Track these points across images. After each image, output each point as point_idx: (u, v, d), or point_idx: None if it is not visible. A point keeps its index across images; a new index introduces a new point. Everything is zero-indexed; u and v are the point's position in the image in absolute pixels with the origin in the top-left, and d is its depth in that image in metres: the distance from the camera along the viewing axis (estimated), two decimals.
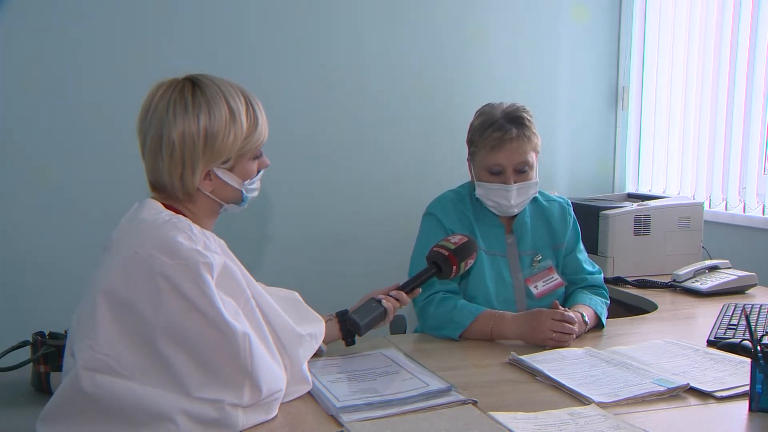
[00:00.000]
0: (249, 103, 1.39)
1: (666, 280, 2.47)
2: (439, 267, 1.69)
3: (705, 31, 2.91)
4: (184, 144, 1.32)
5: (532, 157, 1.94)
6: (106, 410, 1.19)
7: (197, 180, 1.35)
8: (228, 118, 1.34)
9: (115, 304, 1.22)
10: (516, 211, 1.97)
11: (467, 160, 2.04)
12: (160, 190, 1.38)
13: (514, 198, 1.92)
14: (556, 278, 2.00)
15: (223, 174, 1.38)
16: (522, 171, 1.92)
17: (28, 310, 2.57)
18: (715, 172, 2.84)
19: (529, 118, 1.94)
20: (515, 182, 1.91)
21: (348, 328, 1.63)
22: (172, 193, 1.36)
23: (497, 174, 1.92)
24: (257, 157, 1.44)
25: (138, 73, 2.65)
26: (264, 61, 2.83)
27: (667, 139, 3.13)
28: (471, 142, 2.00)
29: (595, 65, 3.30)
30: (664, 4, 3.14)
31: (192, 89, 1.35)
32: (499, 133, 1.90)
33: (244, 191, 1.42)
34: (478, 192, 1.97)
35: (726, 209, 2.79)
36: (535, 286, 1.98)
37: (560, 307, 1.81)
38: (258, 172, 1.45)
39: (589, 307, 1.90)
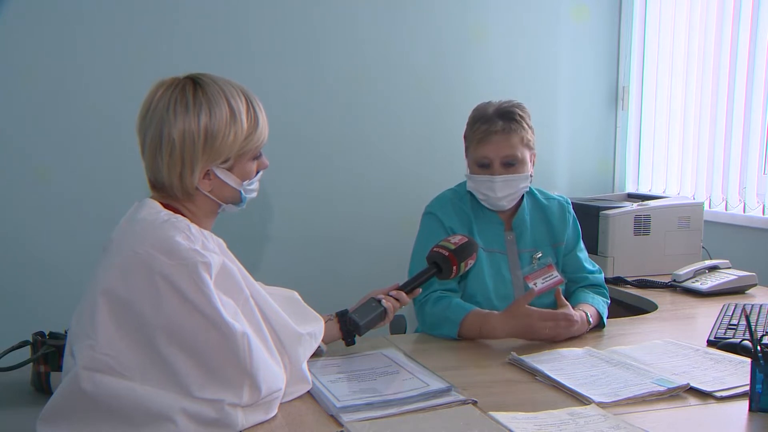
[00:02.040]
0: (250, 103, 1.39)
1: (666, 280, 2.47)
2: (439, 267, 1.69)
3: (705, 31, 2.91)
4: (184, 143, 1.32)
5: (522, 151, 1.94)
6: (106, 410, 1.19)
7: (196, 179, 1.35)
8: (228, 118, 1.35)
9: (115, 304, 1.22)
10: (505, 204, 1.97)
11: (465, 157, 2.05)
12: (160, 189, 1.38)
13: (500, 190, 1.93)
14: (555, 275, 2.00)
15: (222, 174, 1.38)
16: (510, 164, 1.93)
17: (28, 310, 2.57)
18: (715, 172, 2.84)
19: (520, 113, 1.95)
20: (501, 175, 1.92)
21: (348, 328, 1.63)
22: (171, 192, 1.36)
23: (486, 167, 1.94)
24: (257, 157, 1.44)
25: (138, 73, 2.66)
26: (263, 61, 2.83)
27: (667, 139, 3.12)
28: (465, 137, 2.02)
29: (595, 65, 3.30)
30: (664, 4, 3.14)
31: (193, 88, 1.35)
32: (485, 126, 1.93)
33: (242, 191, 1.42)
34: (469, 185, 1.99)
35: (726, 209, 2.78)
36: (535, 284, 1.98)
37: (562, 297, 1.83)
38: (257, 172, 1.45)
39: (592, 306, 1.90)
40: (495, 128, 1.91)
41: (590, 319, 1.83)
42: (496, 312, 1.82)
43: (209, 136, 1.33)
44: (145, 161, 1.37)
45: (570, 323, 1.75)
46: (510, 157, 1.93)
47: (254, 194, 1.47)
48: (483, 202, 1.99)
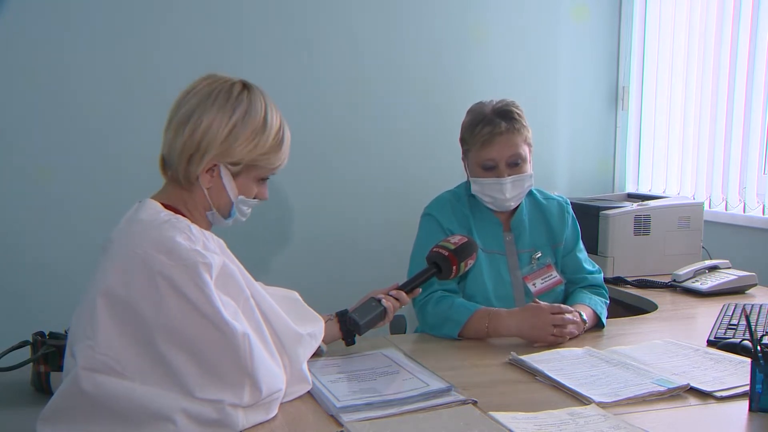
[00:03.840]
0: (282, 127, 1.43)
1: (666, 280, 2.47)
2: (439, 267, 1.69)
3: (705, 31, 2.91)
4: (209, 130, 1.34)
5: (525, 150, 1.94)
6: (107, 410, 1.20)
7: (201, 167, 1.35)
8: (258, 128, 1.38)
9: (115, 305, 1.22)
10: (512, 204, 1.97)
11: (462, 159, 2.04)
12: (168, 167, 1.40)
13: (509, 191, 1.93)
14: (554, 276, 2.00)
15: (225, 176, 1.38)
16: (515, 164, 1.93)
17: (28, 310, 2.57)
18: (715, 172, 2.84)
19: (518, 112, 1.95)
20: (509, 176, 1.92)
21: (348, 328, 1.63)
22: (175, 176, 1.38)
23: (491, 169, 1.94)
24: (262, 180, 1.45)
25: (138, 73, 2.66)
26: (262, 62, 2.83)
27: (667, 139, 3.13)
28: (463, 140, 2.01)
29: (595, 65, 3.30)
30: (664, 4, 3.14)
31: (241, 90, 1.39)
32: (489, 127, 1.91)
33: (234, 205, 1.42)
34: (474, 189, 1.98)
35: (726, 209, 2.79)
36: (534, 284, 1.98)
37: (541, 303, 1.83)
38: (254, 198, 1.45)
39: (589, 306, 1.90)
40: (499, 129, 1.91)
41: (585, 319, 1.83)
42: (504, 309, 1.82)
43: (232, 134, 1.36)
44: (165, 136, 1.39)
45: (576, 326, 1.77)
46: (515, 157, 1.93)
47: (242, 218, 1.48)
48: (489, 205, 1.98)
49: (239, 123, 1.36)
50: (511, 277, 1.99)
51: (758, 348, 1.31)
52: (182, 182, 1.38)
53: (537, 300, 1.82)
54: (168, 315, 1.21)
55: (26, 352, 1.56)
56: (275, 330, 1.36)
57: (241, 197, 1.42)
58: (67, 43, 2.63)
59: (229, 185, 1.40)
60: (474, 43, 3.10)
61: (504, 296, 1.96)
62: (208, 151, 1.35)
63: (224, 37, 2.79)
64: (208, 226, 1.44)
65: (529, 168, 1.96)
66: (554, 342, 1.72)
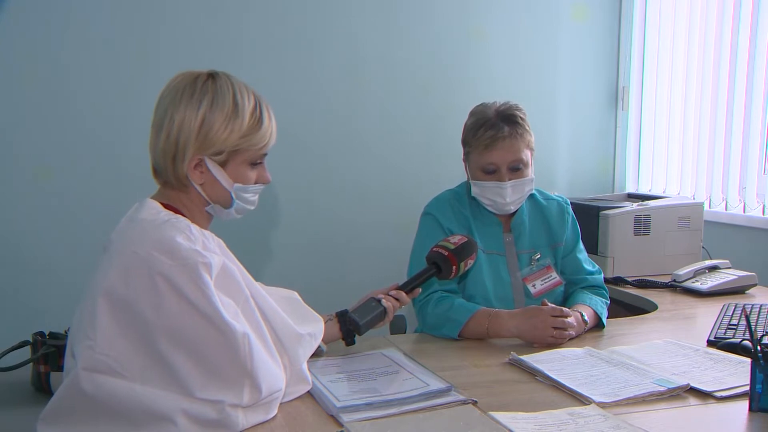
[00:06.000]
0: (258, 106, 1.41)
1: (666, 280, 2.47)
2: (439, 267, 1.69)
3: (705, 31, 2.91)
4: (182, 126, 1.34)
5: (527, 154, 1.94)
6: (107, 411, 1.20)
7: (186, 165, 1.35)
8: (230, 112, 1.36)
9: (115, 305, 1.22)
10: (512, 208, 1.97)
11: (463, 160, 2.04)
12: (158, 173, 1.40)
13: (509, 195, 1.93)
14: (554, 277, 2.00)
15: (213, 168, 1.37)
16: (516, 169, 1.93)
17: (28, 310, 2.57)
18: (715, 172, 2.84)
19: (522, 116, 1.94)
20: (510, 180, 1.92)
21: (348, 328, 1.63)
22: (166, 177, 1.38)
23: (492, 173, 1.93)
24: (256, 164, 1.43)
25: (138, 73, 2.66)
26: (262, 62, 2.83)
27: (667, 139, 3.13)
28: (465, 142, 2.00)
29: (595, 65, 3.30)
30: (664, 4, 3.14)
31: (205, 80, 1.38)
32: (491, 132, 1.90)
33: (233, 194, 1.41)
34: (474, 191, 1.98)
35: (726, 209, 2.79)
36: (533, 285, 1.98)
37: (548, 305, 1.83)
38: (255, 183, 1.44)
39: (589, 307, 1.90)
40: (502, 134, 1.90)
41: (586, 319, 1.83)
42: (504, 310, 1.82)
43: (204, 125, 1.34)
44: (150, 141, 1.40)
45: (576, 329, 1.77)
46: (517, 162, 1.92)
47: (250, 207, 1.46)
48: (489, 208, 1.98)
49: (208, 112, 1.35)
50: (511, 278, 1.99)
51: (758, 348, 1.31)
52: (175, 184, 1.38)
53: (546, 301, 1.82)
54: (168, 315, 1.22)
55: (26, 352, 1.56)
56: (275, 330, 1.36)
57: (238, 185, 1.41)
58: (67, 43, 2.63)
59: (220, 176, 1.39)
60: (474, 43, 3.10)
61: (503, 297, 1.96)
62: (187, 148, 1.34)
63: (224, 36, 2.79)
64: (207, 225, 1.43)
65: (530, 172, 1.96)
66: (553, 344, 1.72)
